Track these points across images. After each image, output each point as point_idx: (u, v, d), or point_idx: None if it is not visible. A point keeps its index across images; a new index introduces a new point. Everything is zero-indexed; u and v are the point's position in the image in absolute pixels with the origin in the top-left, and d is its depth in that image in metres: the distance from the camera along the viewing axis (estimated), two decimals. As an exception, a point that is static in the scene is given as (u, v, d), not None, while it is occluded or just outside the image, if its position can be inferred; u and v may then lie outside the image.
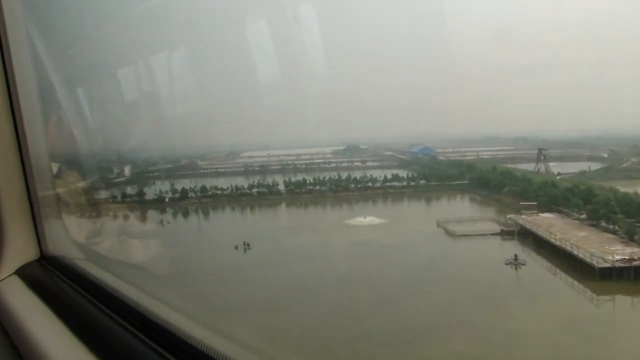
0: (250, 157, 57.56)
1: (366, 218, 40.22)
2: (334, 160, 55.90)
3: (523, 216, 36.86)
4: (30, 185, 3.74)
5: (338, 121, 48.48)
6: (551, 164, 46.26)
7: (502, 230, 35.94)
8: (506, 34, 41.67)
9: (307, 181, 48.04)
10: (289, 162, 53.91)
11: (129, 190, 44.77)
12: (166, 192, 45.05)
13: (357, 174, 49.18)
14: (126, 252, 19.64)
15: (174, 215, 44.51)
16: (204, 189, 45.63)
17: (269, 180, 48.69)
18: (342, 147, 58.38)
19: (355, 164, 54.07)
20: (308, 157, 55.36)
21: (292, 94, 43.87)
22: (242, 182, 48.15)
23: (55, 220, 4.27)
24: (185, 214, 44.93)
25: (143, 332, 2.39)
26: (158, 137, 37.47)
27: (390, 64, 44.31)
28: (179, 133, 40.77)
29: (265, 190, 47.11)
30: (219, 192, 46.15)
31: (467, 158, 51.90)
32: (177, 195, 45.39)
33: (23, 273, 3.62)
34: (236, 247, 34.50)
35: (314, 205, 46.32)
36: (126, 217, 39.27)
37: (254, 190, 46.93)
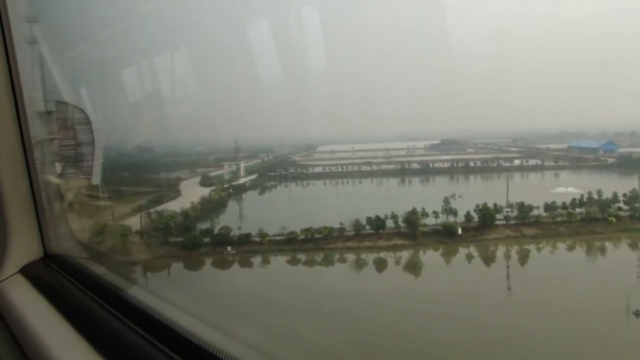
0: (332, 151, 51.00)
1: None
2: (446, 158, 47.02)
3: None
4: (35, 185, 3.77)
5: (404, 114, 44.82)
6: None
7: None
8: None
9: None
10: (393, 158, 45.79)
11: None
12: (436, 213, 26.91)
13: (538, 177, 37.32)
14: None
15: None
16: (522, 208, 26.97)
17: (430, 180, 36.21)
18: (437, 142, 51.56)
19: (499, 162, 44.25)
20: (421, 151, 48.73)
21: (358, 85, 41.08)
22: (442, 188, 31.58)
23: (59, 219, 4.30)
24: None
25: (145, 329, 2.40)
26: (218, 130, 34.65)
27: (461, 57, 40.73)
28: (244, 125, 37.32)
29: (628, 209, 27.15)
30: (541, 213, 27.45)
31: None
32: (469, 221, 25.83)
33: (27, 272, 3.68)
34: None
35: None
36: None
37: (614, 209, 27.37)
